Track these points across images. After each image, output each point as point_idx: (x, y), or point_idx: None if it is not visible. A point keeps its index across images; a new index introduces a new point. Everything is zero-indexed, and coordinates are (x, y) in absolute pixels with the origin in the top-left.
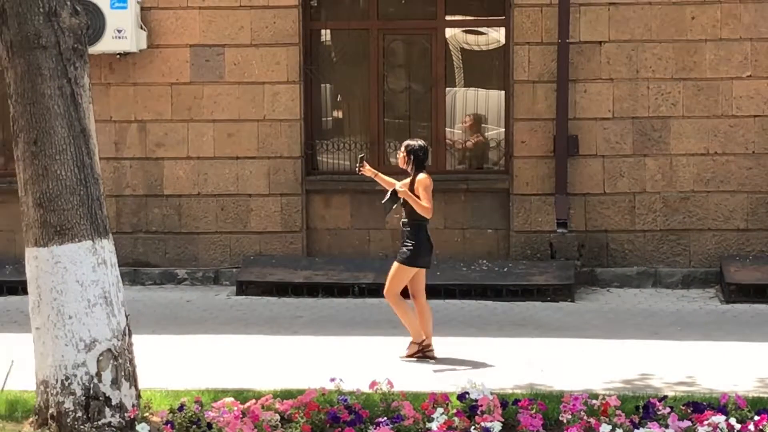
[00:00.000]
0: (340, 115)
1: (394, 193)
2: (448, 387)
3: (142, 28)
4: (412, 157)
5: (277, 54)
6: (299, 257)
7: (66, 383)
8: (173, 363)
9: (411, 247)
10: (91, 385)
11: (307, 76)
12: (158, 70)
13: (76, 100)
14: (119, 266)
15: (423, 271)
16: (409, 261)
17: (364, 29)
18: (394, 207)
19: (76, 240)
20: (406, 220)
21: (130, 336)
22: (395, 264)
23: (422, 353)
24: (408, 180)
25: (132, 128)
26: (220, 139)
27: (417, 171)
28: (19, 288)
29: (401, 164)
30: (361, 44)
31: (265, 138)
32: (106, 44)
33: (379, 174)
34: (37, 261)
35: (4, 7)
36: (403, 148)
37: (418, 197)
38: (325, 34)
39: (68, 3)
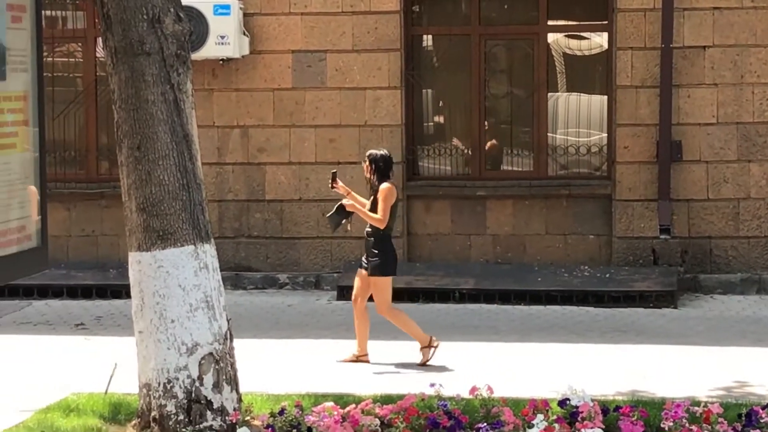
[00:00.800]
0: (442, 120)
1: (342, 207)
2: (549, 393)
3: (244, 34)
4: (374, 166)
5: (379, 59)
6: (400, 262)
7: (168, 386)
8: (274, 367)
9: (380, 258)
10: (193, 389)
11: (409, 81)
12: (260, 75)
13: (179, 105)
14: (221, 271)
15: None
16: (384, 271)
17: (465, 35)
18: (343, 222)
19: (179, 244)
20: (370, 230)
21: (231, 340)
22: (372, 279)
23: (357, 359)
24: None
25: (234, 133)
26: (321, 144)
27: (380, 180)
28: (122, 292)
29: (365, 173)
30: (463, 49)
31: (366, 143)
32: (209, 50)
33: (352, 192)
34: (140, 265)
35: (108, 14)
36: (366, 158)
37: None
38: (427, 40)
39: (171, 10)
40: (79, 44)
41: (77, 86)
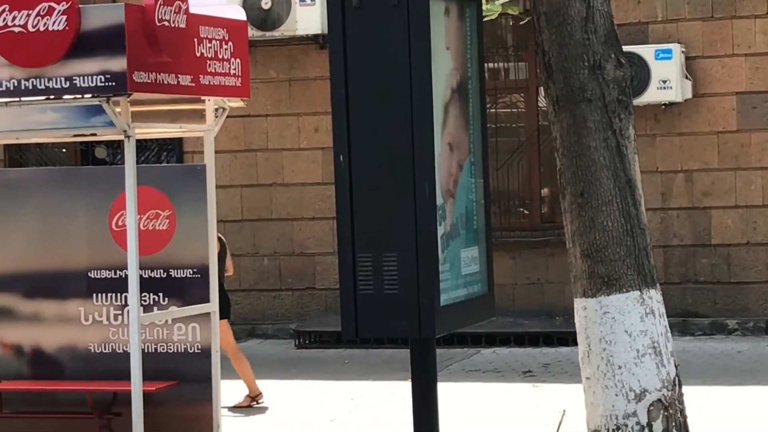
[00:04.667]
0: None
1: None
2: None
3: (686, 77)
4: None
5: None
6: None
7: None
8: (724, 414)
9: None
10: None
11: None
12: (704, 118)
13: (621, 151)
14: (667, 317)
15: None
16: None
17: None
18: None
19: (624, 290)
20: None
21: (680, 386)
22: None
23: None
24: None
25: (678, 178)
26: None
27: None
28: (569, 339)
29: None
30: None
31: None
32: (651, 95)
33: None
34: (585, 311)
35: (549, 63)
36: None
37: None
38: None
39: (612, 56)
40: (521, 94)
41: (520, 136)
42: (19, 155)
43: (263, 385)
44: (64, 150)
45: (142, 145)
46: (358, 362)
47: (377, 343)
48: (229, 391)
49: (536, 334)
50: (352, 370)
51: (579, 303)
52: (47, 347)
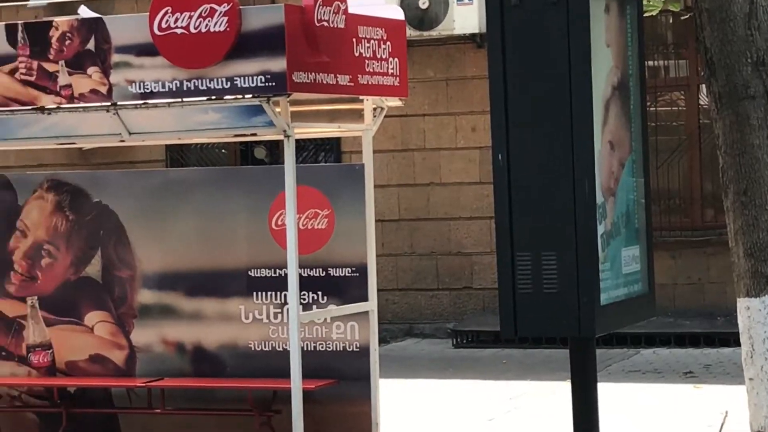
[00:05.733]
0: None
1: None
2: None
3: None
4: None
5: None
6: None
7: None
8: None
9: None
10: None
11: None
12: None
13: None
14: None
15: None
16: None
17: None
18: None
19: None
20: None
21: None
22: None
23: None
24: None
25: None
26: None
27: None
28: (730, 340)
29: None
30: None
31: None
32: None
33: None
34: (749, 311)
35: (711, 60)
36: None
37: None
38: None
39: None
40: (682, 92)
41: (680, 134)
42: (180, 156)
43: (420, 384)
44: (223, 150)
45: (300, 145)
46: (515, 362)
47: (535, 342)
48: (387, 390)
49: (697, 335)
50: (509, 369)
51: (742, 303)
52: (208, 345)
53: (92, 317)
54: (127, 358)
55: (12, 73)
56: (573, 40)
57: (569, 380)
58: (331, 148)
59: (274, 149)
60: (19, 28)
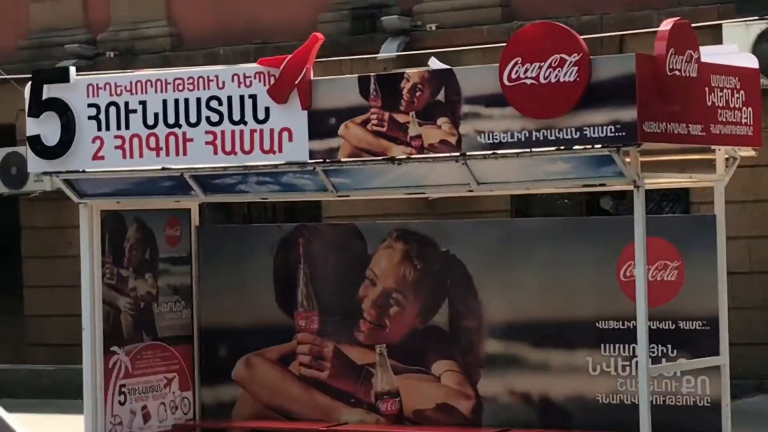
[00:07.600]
0: None
1: None
2: None
3: None
4: None
5: None
6: None
7: None
8: None
9: None
10: None
11: None
12: None
13: None
14: None
15: None
16: None
17: None
18: None
19: None
20: None
21: None
22: None
23: None
24: None
25: None
26: None
27: None
28: None
29: None
30: None
31: None
32: None
33: None
34: None
35: None
36: None
37: None
38: None
39: None
40: None
41: None
42: (525, 206)
43: None
44: (566, 201)
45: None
46: None
47: None
48: None
49: None
50: None
51: None
52: (555, 396)
53: (439, 366)
54: (474, 408)
55: (364, 124)
56: None
57: None
58: (677, 198)
59: (620, 199)
60: (372, 81)
